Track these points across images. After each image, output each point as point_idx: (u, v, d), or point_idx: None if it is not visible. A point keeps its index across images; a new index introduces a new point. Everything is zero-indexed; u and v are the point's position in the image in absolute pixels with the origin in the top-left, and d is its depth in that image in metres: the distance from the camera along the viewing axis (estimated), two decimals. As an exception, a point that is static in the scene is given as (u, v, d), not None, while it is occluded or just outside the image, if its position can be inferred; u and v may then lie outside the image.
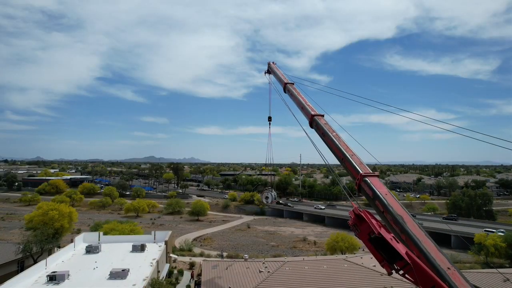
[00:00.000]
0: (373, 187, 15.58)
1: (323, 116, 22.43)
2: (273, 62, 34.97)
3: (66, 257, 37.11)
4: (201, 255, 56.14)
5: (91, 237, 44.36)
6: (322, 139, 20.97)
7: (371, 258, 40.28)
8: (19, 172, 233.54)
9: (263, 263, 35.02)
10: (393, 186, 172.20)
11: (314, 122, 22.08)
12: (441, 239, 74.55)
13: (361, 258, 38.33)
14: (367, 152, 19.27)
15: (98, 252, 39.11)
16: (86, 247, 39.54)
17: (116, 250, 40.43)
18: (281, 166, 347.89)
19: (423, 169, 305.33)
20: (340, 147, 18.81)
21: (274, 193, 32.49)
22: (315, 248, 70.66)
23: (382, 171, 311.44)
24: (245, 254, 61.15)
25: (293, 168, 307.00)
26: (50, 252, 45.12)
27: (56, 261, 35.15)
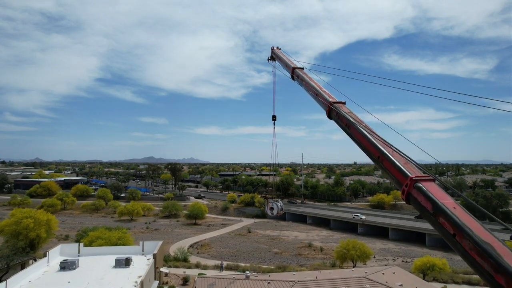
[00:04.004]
0: (432, 196, 9.78)
1: (344, 103, 16.78)
2: (277, 47, 29.44)
3: (36, 276, 31.41)
4: (198, 266, 50.48)
5: (69, 249, 38.65)
6: (346, 133, 15.24)
7: (394, 273, 34.66)
8: (13, 173, 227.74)
9: (268, 282, 29.43)
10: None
11: (333, 111, 16.47)
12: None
13: (383, 274, 32.74)
14: (421, 150, 13.57)
15: (74, 269, 33.39)
16: (61, 262, 33.82)
17: (97, 266, 34.77)
18: (281, 166, 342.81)
19: (427, 169, 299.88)
20: (375, 142, 12.96)
21: (280, 203, 27.21)
22: (322, 255, 65.08)
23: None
24: (246, 263, 55.69)
25: (293, 167, 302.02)
26: (23, 266, 39.52)
27: (22, 281, 29.46)
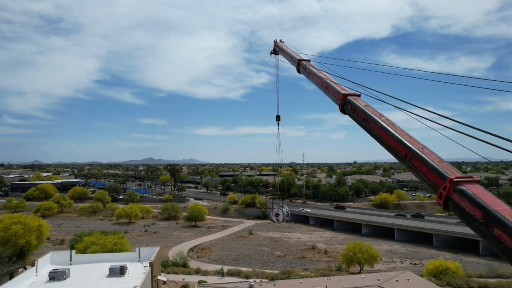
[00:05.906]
0: (482, 202, 7.50)
1: (359, 95, 14.56)
2: (280, 40, 27.21)
3: (22, 287, 29.06)
4: (198, 271, 48.09)
5: (60, 257, 36.15)
6: (364, 128, 12.95)
7: (408, 280, 32.41)
8: (10, 176, 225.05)
9: (274, 292, 27.14)
10: (400, 185, 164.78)
11: (348, 104, 14.25)
12: (468, 245, 66.76)
13: (397, 281, 30.45)
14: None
15: (64, 279, 30.95)
16: (50, 272, 31.39)
17: (89, 275, 32.37)
18: (281, 165, 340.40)
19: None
20: (400, 138, 10.72)
21: (286, 208, 25.18)
22: (326, 258, 62.80)
23: (385, 169, 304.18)
24: (248, 267, 53.35)
25: (293, 167, 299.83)
26: (12, 276, 37.21)
27: (6, 294, 27.14)
